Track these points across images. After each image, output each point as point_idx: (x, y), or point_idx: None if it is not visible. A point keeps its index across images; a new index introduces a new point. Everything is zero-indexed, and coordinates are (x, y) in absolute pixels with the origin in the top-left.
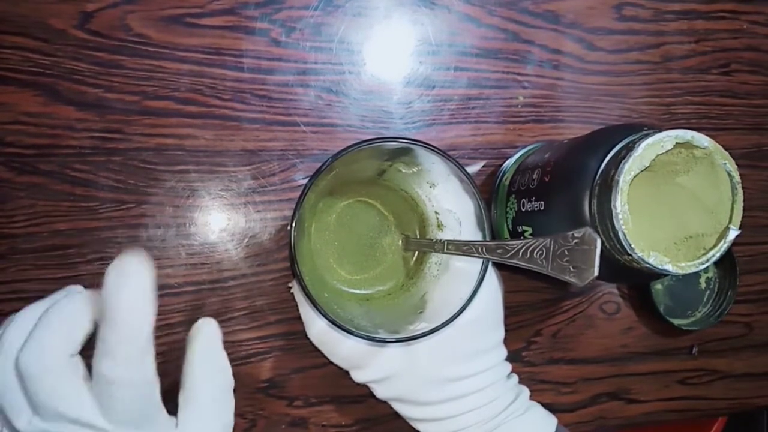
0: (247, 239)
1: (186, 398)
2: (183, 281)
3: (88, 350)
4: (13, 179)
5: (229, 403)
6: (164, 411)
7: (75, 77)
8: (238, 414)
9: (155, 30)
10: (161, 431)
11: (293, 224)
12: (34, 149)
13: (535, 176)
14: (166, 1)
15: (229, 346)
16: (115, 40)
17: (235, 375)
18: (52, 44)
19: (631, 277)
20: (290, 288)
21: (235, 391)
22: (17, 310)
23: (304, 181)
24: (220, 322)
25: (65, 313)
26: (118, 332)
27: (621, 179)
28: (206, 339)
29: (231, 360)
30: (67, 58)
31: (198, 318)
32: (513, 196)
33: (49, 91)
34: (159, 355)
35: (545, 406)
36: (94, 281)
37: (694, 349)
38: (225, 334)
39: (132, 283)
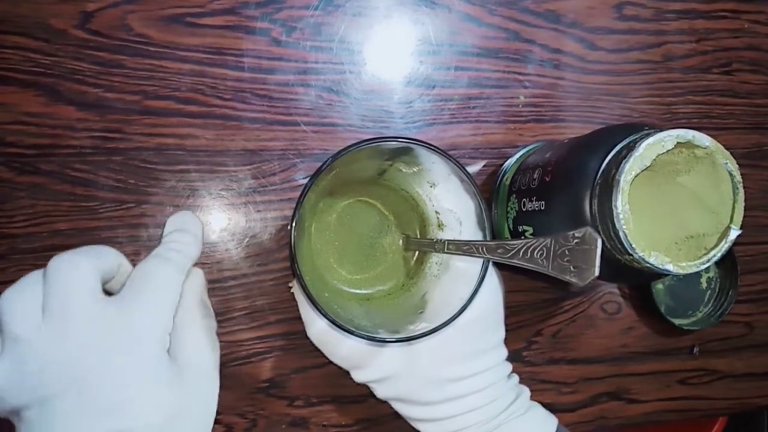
0: (247, 239)
1: (178, 332)
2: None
3: None
4: (13, 179)
5: (215, 341)
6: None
7: (76, 77)
8: (239, 414)
9: (156, 30)
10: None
11: (293, 224)
12: (35, 149)
13: (535, 176)
14: (167, 1)
15: (230, 345)
16: (116, 39)
17: (236, 375)
18: (52, 44)
19: (632, 277)
20: (290, 288)
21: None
22: None
23: (305, 181)
24: (220, 322)
25: (100, 248)
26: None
27: (622, 179)
28: (195, 284)
29: (231, 360)
30: (68, 58)
31: None
32: (514, 195)
33: (49, 91)
34: None
35: (546, 406)
36: None
37: (695, 349)
38: (225, 334)
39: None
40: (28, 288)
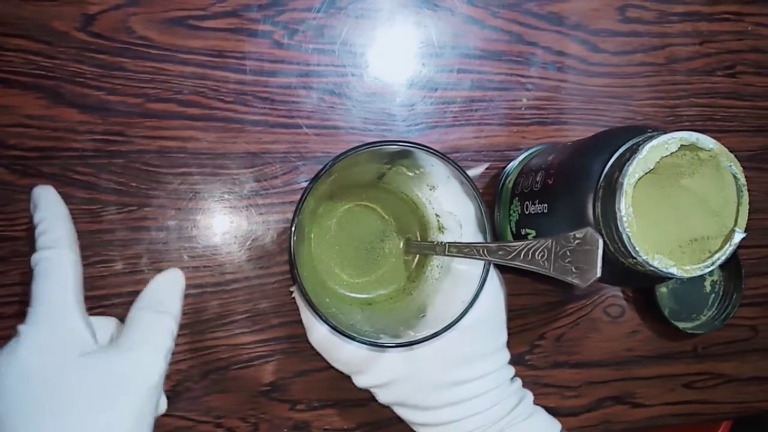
0: (249, 242)
1: (131, 319)
2: (185, 284)
3: None
4: (15, 182)
5: (170, 342)
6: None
7: (77, 80)
8: (240, 417)
9: (158, 32)
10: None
11: (293, 229)
12: (37, 152)
13: (538, 179)
14: (169, 4)
15: (231, 349)
16: (118, 42)
17: (238, 378)
18: (54, 47)
19: (636, 281)
20: (292, 292)
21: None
22: (19, 314)
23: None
24: (222, 325)
25: None
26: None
27: (625, 182)
28: (170, 279)
29: (233, 363)
30: (70, 60)
31: (198, 322)
32: (516, 198)
33: (51, 93)
34: None
35: (549, 410)
36: (94, 283)
37: (699, 349)
38: (227, 337)
39: None
40: None
